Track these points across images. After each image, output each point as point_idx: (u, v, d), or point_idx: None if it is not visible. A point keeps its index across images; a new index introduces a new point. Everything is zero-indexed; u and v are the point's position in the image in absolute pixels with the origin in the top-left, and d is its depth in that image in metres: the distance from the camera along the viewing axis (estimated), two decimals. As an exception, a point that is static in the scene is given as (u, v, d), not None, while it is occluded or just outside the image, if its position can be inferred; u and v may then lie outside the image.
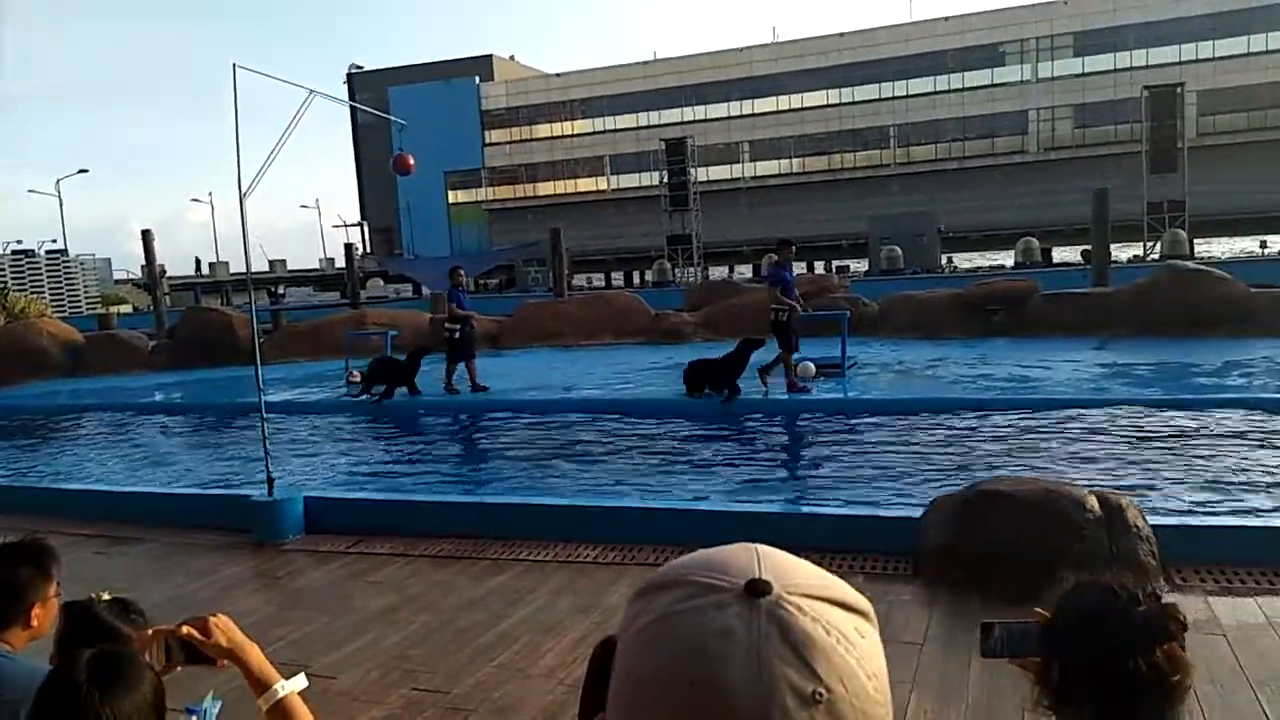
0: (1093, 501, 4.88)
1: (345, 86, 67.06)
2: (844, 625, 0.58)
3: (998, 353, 14.49)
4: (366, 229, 67.29)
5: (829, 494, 7.57)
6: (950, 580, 5.09)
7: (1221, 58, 43.58)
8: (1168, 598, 4.44)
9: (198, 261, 62.69)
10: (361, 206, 69.56)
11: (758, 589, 0.58)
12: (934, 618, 4.77)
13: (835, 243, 47.23)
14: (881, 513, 6.36)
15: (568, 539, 6.26)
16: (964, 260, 43.81)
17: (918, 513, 5.64)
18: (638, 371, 15.05)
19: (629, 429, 10.79)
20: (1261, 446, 8.05)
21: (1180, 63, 43.12)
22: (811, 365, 13.22)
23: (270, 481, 6.97)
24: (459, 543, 6.47)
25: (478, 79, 59.30)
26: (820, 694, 0.55)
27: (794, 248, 12.76)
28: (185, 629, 1.54)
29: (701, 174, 43.94)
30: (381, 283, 52.92)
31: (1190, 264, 18.86)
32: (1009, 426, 9.41)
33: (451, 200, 59.43)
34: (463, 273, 14.12)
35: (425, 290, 34.88)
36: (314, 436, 11.65)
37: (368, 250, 63.00)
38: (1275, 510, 6.33)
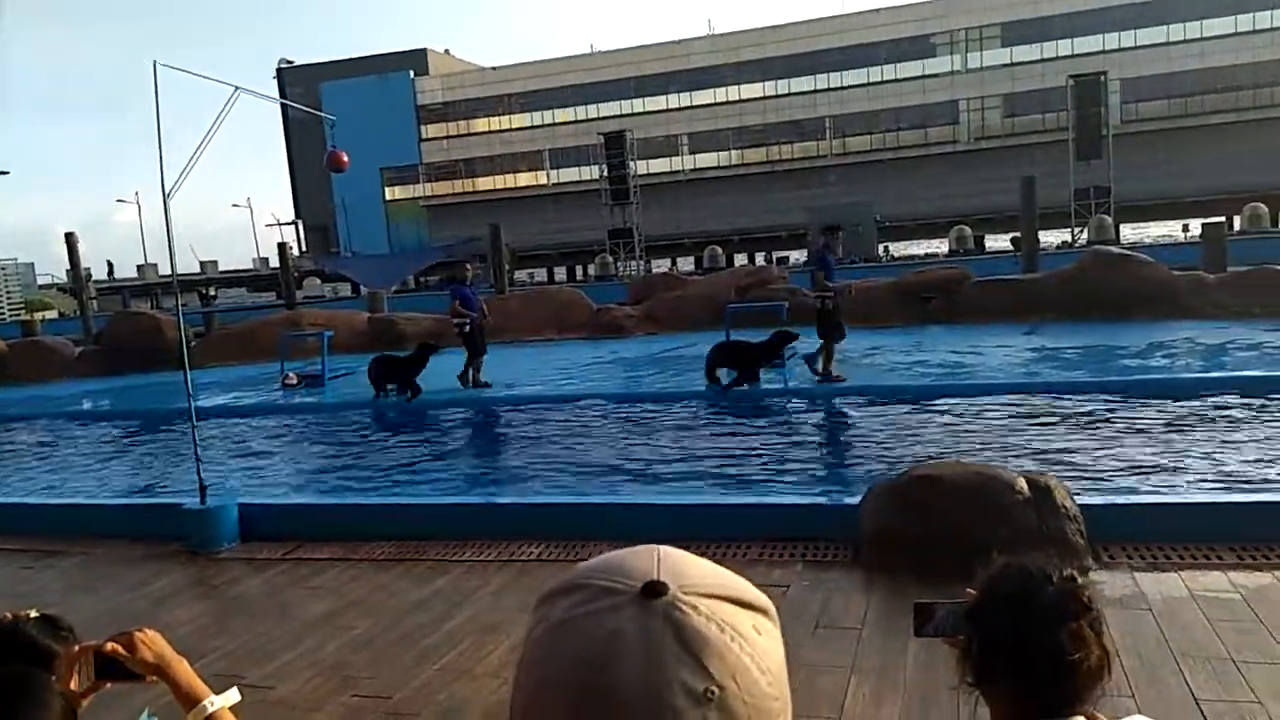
0: (1022, 484, 5.00)
1: (275, 82, 65.64)
2: (740, 622, 0.59)
3: (932, 339, 14.79)
4: (301, 227, 66.04)
5: (772, 482, 7.66)
6: (889, 565, 5.17)
7: (1143, 46, 44.94)
8: (1096, 575, 4.58)
9: (110, 265, 61.00)
10: (295, 204, 68.20)
11: (653, 590, 0.58)
12: (873, 602, 4.85)
13: (775, 234, 47.73)
14: (821, 500, 6.46)
15: (512, 538, 6.23)
16: (901, 249, 44.62)
17: (857, 499, 5.73)
18: (580, 367, 15.01)
19: (574, 422, 10.77)
20: (1183, 426, 8.34)
21: (1104, 52, 44.37)
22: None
23: (203, 489, 6.80)
24: (401, 545, 6.39)
25: (412, 73, 58.52)
26: (712, 691, 0.56)
27: (840, 232, 12.07)
28: (111, 645, 1.50)
29: (641, 167, 44.02)
30: (319, 282, 52.03)
31: (1114, 249, 19.45)
32: (944, 411, 9.62)
33: (389, 197, 58.65)
34: (468, 267, 13.83)
35: (364, 289, 34.36)
36: (249, 442, 11.41)
37: (303, 249, 61.85)
38: (1197, 487, 6.56)
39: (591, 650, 0.57)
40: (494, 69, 58.49)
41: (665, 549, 0.64)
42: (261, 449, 10.96)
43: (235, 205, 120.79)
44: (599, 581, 0.60)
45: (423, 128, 57.87)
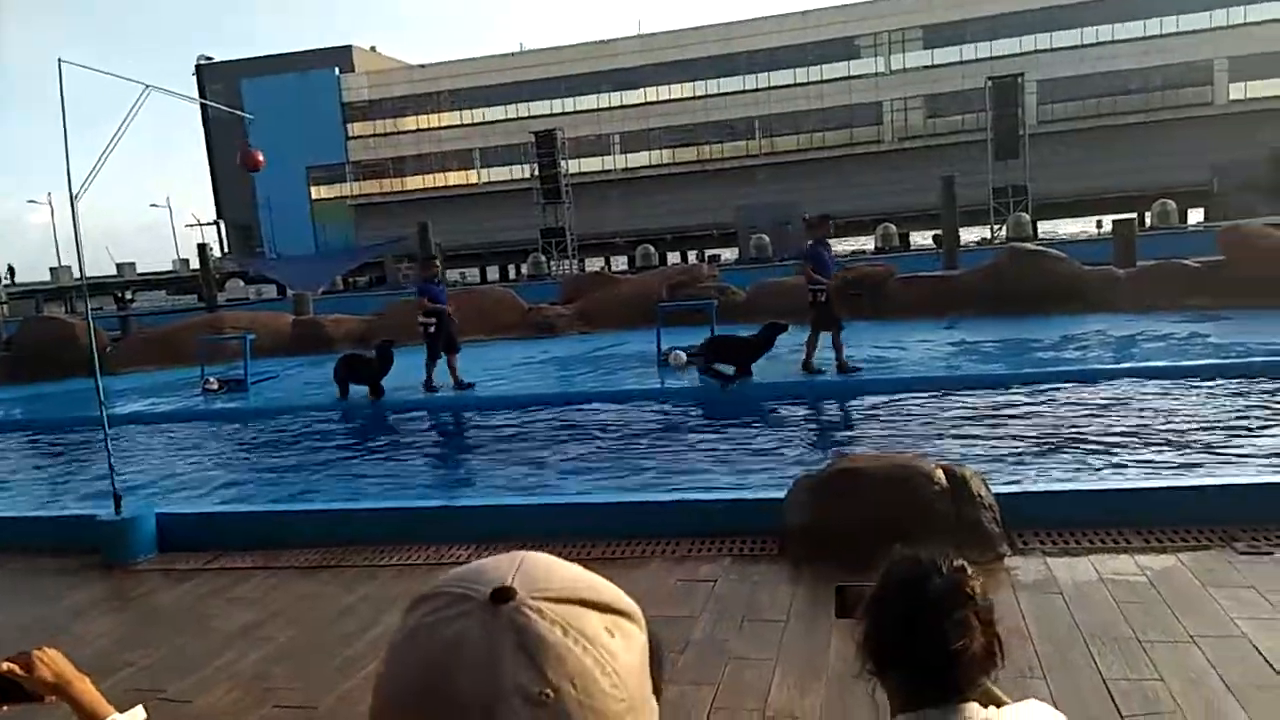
0: (940, 474, 5.14)
1: (194, 79, 63.71)
2: (589, 626, 0.60)
3: (858, 335, 14.95)
4: (223, 228, 64.27)
5: (702, 478, 7.72)
6: (813, 557, 5.25)
7: (1058, 49, 46.40)
8: (1011, 561, 4.71)
9: (11, 269, 58.50)
10: (217, 204, 66.30)
11: (501, 595, 0.59)
12: (798, 594, 4.93)
13: (706, 232, 48.07)
14: (748, 495, 6.51)
15: (439, 541, 6.16)
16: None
17: (782, 493, 5.81)
18: (511, 366, 14.89)
19: (505, 423, 10.71)
20: (1094, 415, 8.65)
21: (1020, 54, 45.67)
22: (683, 354, 13.44)
23: (117, 499, 6.58)
24: (327, 552, 6.27)
25: (337, 70, 57.40)
26: (546, 694, 0.57)
27: (831, 223, 12.14)
28: (6, 665, 1.45)
29: (573, 166, 43.95)
30: (242, 284, 50.68)
31: (1029, 245, 20.06)
32: (867, 405, 9.83)
33: (314, 196, 57.42)
34: (437, 263, 13.58)
35: (289, 291, 33.59)
36: (168, 449, 11.08)
37: (225, 250, 60.23)
38: (1107, 474, 6.82)
39: (434, 657, 0.58)
40: (422, 67, 57.72)
41: (532, 555, 0.65)
42: (181, 457, 10.66)
43: (154, 205, 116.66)
44: (452, 589, 0.62)
45: (349, 126, 56.80)
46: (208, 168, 66.47)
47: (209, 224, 64.53)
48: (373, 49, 66.94)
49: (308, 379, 15.21)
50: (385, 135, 56.64)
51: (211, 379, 14.77)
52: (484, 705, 0.56)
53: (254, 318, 20.70)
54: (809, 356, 11.66)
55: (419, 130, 56.20)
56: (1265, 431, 7.68)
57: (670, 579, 5.26)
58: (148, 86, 7.23)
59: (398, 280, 39.02)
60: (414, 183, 56.47)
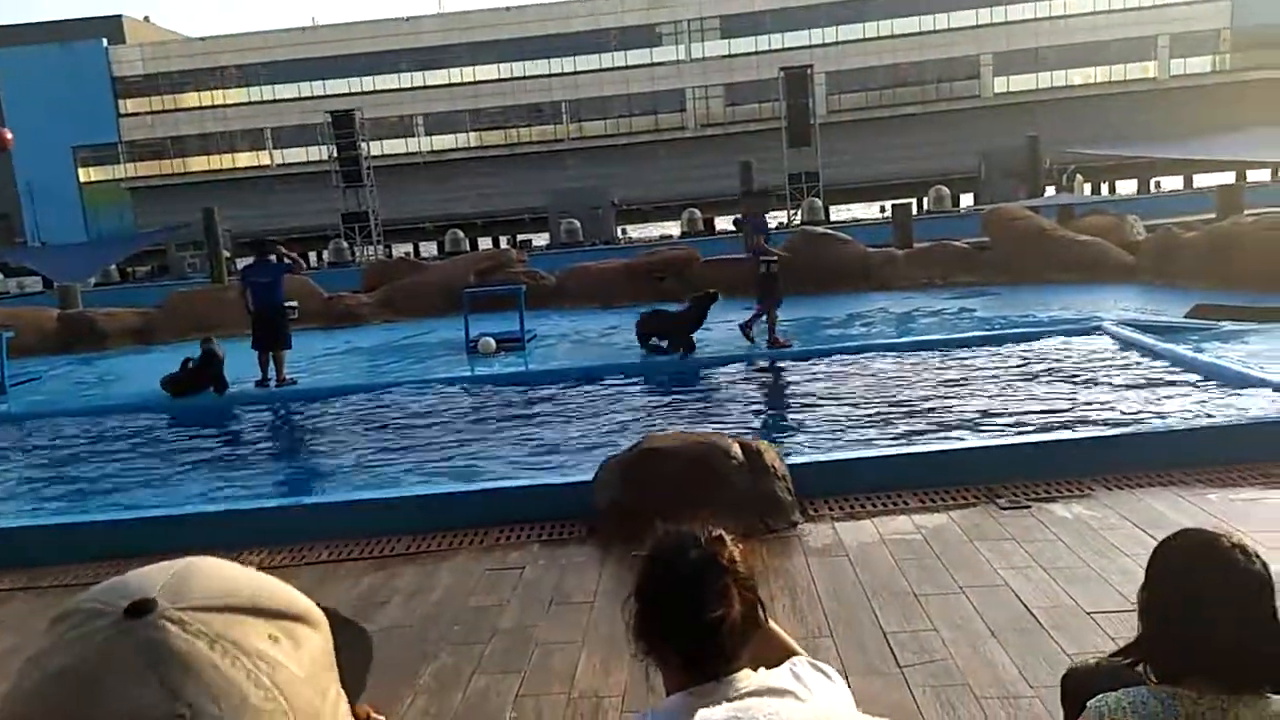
0: (737, 449, 5.35)
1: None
2: (244, 634, 0.55)
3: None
4: (-25, 214, 57.53)
5: (515, 465, 7.68)
6: (620, 537, 5.33)
7: (844, 42, 49.11)
8: (804, 528, 4.95)
9: None
10: (-34, 189, 59.29)
11: (138, 609, 0.53)
12: (605, 575, 5.00)
13: (518, 217, 47.65)
14: (557, 480, 6.54)
15: (229, 546, 5.77)
16: (637, 231, 46.09)
17: (590, 476, 5.86)
18: (311, 359, 14.19)
19: (302, 419, 10.21)
20: (877, 386, 9.27)
21: (810, 46, 48.00)
22: (492, 341, 13.30)
23: None
24: (99, 566, 5.71)
25: (106, 42, 52.48)
26: (181, 715, 0.51)
27: (770, 196, 12.59)
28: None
29: (375, 148, 42.22)
30: (1, 276, 45.60)
31: (819, 229, 21.23)
32: (674, 385, 10.10)
33: (84, 179, 52.31)
34: (282, 249, 12.61)
35: (55, 283, 30.49)
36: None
37: (-21, 239, 53.99)
38: (886, 441, 7.33)
39: (52, 684, 0.52)
40: (203, 39, 53.72)
41: (199, 560, 0.59)
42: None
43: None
44: (88, 604, 0.55)
45: (121, 102, 52.07)
46: (-49, 146, 59.32)
47: (-43, 210, 57.53)
48: (146, 19, 61.80)
49: (78, 379, 13.92)
50: (164, 113, 52.33)
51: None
52: None
53: (12, 314, 18.68)
54: (772, 330, 11.84)
55: (202, 107, 52.29)
56: (1022, 394, 8.49)
57: (479, 569, 5.20)
58: None
59: (183, 270, 36.32)
60: (198, 164, 52.50)
